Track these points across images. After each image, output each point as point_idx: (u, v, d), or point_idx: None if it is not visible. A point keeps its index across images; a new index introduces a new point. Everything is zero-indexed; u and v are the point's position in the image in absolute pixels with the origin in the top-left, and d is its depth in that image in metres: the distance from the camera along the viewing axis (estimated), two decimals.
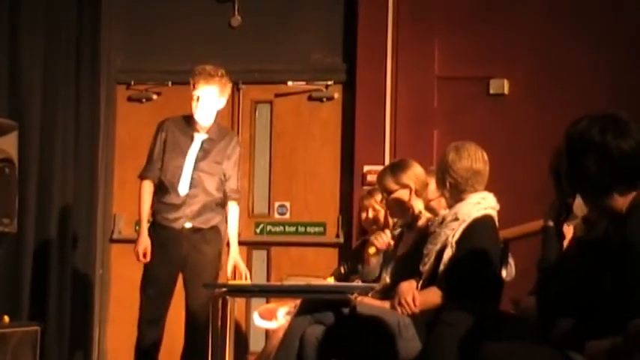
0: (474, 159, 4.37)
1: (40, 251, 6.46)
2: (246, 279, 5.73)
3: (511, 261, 4.52)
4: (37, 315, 6.21)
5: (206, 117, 5.64)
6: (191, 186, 5.62)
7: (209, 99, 5.61)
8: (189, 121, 5.72)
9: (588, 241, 3.39)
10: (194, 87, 5.63)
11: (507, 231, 4.79)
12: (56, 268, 6.59)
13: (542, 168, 6.61)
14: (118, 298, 7.30)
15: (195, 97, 5.62)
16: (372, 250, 5.09)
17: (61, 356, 6.53)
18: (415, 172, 4.76)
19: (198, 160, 5.64)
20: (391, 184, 4.79)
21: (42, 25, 6.56)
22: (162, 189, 5.66)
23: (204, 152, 5.66)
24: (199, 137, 5.69)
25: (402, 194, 4.78)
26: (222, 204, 5.71)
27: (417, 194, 4.78)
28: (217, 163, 5.67)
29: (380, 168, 6.97)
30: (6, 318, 5.73)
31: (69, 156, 6.81)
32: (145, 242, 5.60)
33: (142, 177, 5.71)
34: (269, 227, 7.35)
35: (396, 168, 4.84)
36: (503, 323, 4.11)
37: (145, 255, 5.59)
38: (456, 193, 4.39)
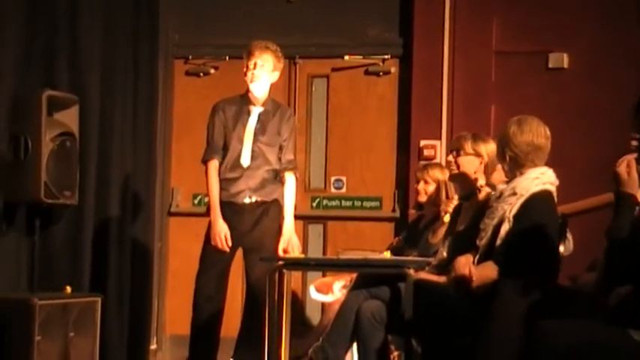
0: (536, 133, 4.34)
1: (100, 224, 6.55)
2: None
3: (569, 236, 4.50)
4: (97, 286, 6.30)
5: (261, 86, 5.66)
6: (252, 158, 5.65)
7: (264, 67, 5.63)
8: (243, 98, 5.74)
9: None
10: (250, 56, 5.64)
11: (566, 206, 4.75)
12: (116, 241, 6.68)
13: (601, 143, 6.60)
14: (175, 270, 7.39)
15: (251, 66, 5.63)
16: (446, 218, 5.09)
17: (121, 327, 6.63)
18: (493, 148, 4.73)
19: (257, 133, 5.67)
20: (467, 146, 4.77)
21: (101, 3, 6.62)
22: (224, 165, 5.68)
23: (262, 125, 5.69)
24: (256, 110, 5.71)
25: (472, 161, 4.77)
26: (280, 176, 5.74)
27: (485, 169, 4.76)
28: (275, 134, 5.71)
29: (436, 143, 7.01)
30: (68, 289, 5.84)
31: (128, 130, 6.88)
32: (223, 228, 5.56)
33: (206, 159, 5.70)
34: (325, 201, 7.38)
35: (478, 136, 4.84)
36: (560, 299, 4.10)
37: (226, 240, 5.57)
38: (515, 167, 4.37)
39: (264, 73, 5.64)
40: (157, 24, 7.23)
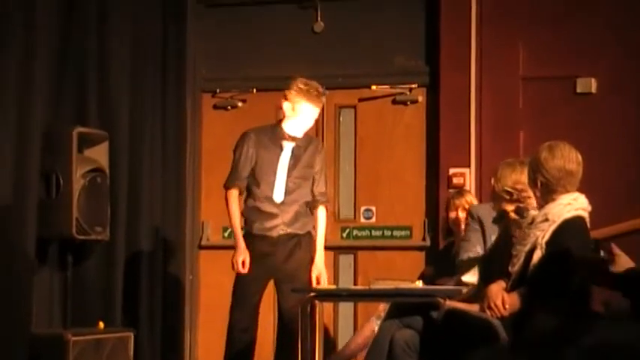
0: (567, 159, 4.32)
1: (132, 258, 6.58)
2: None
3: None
4: (129, 321, 6.32)
5: (299, 132, 5.67)
6: (286, 193, 5.65)
7: (311, 119, 5.64)
8: (275, 130, 5.73)
9: None
10: (295, 101, 5.61)
11: (599, 231, 4.72)
12: (147, 275, 6.70)
13: (631, 168, 6.55)
14: (207, 304, 7.39)
15: (295, 110, 5.61)
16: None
17: None
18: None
19: (290, 168, 5.67)
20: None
21: (129, 36, 6.68)
22: (256, 199, 5.66)
23: (295, 159, 5.69)
24: (289, 145, 5.71)
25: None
26: (312, 208, 5.75)
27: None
28: (308, 168, 5.71)
29: (465, 170, 6.99)
30: (101, 324, 5.85)
31: (157, 164, 6.92)
32: (244, 252, 5.59)
33: (228, 186, 5.72)
34: (355, 232, 7.37)
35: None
36: (593, 325, 4.06)
37: (243, 265, 5.60)
38: (546, 192, 4.34)
39: (309, 122, 5.65)
40: (185, 58, 7.28)
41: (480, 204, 5.80)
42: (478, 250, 5.16)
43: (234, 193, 5.70)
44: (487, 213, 5.11)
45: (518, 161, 4.84)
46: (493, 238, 5.05)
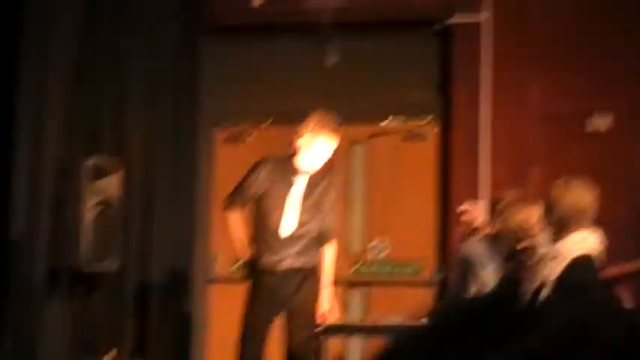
0: (581, 196, 4.30)
1: (142, 290, 6.57)
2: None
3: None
4: (138, 354, 6.30)
5: (317, 165, 5.66)
6: (294, 227, 5.64)
7: (328, 151, 5.64)
8: (290, 163, 5.73)
9: None
10: (314, 134, 5.58)
11: (612, 269, 4.69)
12: (157, 307, 6.69)
13: None
14: (217, 338, 7.37)
15: (312, 143, 5.60)
16: None
17: None
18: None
19: (301, 202, 5.66)
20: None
21: (142, 70, 6.72)
22: (265, 230, 5.65)
23: (306, 193, 5.68)
24: (301, 179, 5.70)
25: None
26: (321, 243, 5.74)
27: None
28: (319, 202, 5.69)
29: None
30: (114, 351, 5.83)
31: (169, 197, 6.93)
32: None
33: (229, 204, 5.63)
34: (365, 267, 7.35)
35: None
36: None
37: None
38: (558, 229, 4.33)
39: (324, 156, 5.63)
40: (198, 91, 7.31)
41: (469, 243, 5.74)
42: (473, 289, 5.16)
43: (234, 216, 5.64)
44: (476, 248, 5.15)
45: (523, 200, 4.86)
46: (485, 271, 5.06)
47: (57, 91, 5.97)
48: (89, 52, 6.32)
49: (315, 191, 5.68)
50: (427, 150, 7.29)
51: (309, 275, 5.65)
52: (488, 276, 5.19)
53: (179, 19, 7.10)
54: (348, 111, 7.26)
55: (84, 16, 6.26)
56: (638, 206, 6.61)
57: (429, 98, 7.31)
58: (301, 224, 5.63)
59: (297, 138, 5.64)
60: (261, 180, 5.63)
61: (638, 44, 6.82)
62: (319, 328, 5.17)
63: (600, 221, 4.40)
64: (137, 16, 6.69)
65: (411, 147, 7.33)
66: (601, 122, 6.85)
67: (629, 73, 6.80)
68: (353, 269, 7.34)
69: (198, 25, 7.30)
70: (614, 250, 4.63)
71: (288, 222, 5.63)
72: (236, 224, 5.65)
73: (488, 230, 5.26)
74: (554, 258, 4.28)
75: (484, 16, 7.05)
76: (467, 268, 5.26)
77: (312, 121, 5.60)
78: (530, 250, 4.63)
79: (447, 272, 6.90)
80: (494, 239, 5.19)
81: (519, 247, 4.67)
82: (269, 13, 7.36)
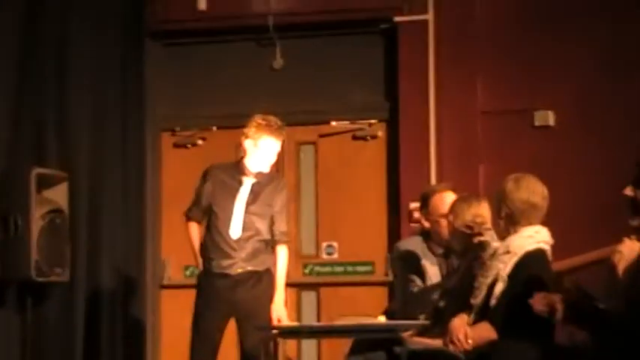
0: (532, 192, 4.35)
1: (92, 299, 6.51)
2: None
3: None
4: None
5: (264, 167, 5.67)
6: (243, 230, 5.63)
7: (273, 152, 5.64)
8: (237, 166, 5.74)
9: None
10: (255, 137, 5.61)
11: (561, 263, 4.75)
12: (108, 316, 6.63)
13: (590, 200, 6.61)
14: (169, 343, 7.33)
15: (255, 146, 5.61)
16: None
17: None
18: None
19: (248, 204, 5.66)
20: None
21: (88, 77, 6.66)
22: (213, 235, 5.66)
23: (254, 195, 5.68)
24: (248, 181, 5.70)
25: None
26: (272, 246, 5.73)
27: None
28: (267, 205, 5.69)
29: None
30: None
31: (117, 204, 6.88)
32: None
33: (189, 217, 5.77)
34: (317, 268, 7.36)
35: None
36: (558, 356, 4.07)
37: None
38: (510, 224, 4.36)
39: (270, 157, 5.66)
40: (144, 97, 7.27)
41: (405, 240, 5.76)
42: (418, 283, 5.18)
43: (194, 227, 5.77)
44: (414, 245, 5.20)
45: (473, 195, 4.90)
46: (431, 267, 5.10)
47: (0, 99, 5.89)
48: (32, 60, 6.25)
49: (262, 194, 5.68)
50: (376, 149, 7.32)
51: (262, 278, 5.64)
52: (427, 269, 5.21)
53: (122, 24, 7.05)
54: (297, 112, 7.30)
55: (26, 21, 6.18)
56: (586, 200, 6.68)
57: (376, 97, 7.33)
58: (248, 227, 5.62)
59: (243, 142, 5.66)
60: (208, 188, 5.68)
61: (578, 41, 6.89)
62: (273, 331, 5.16)
63: (549, 215, 4.45)
64: (81, 22, 6.63)
65: (359, 146, 7.35)
66: (546, 117, 6.92)
67: (570, 70, 6.87)
68: (305, 270, 7.34)
69: (141, 30, 7.25)
70: (562, 243, 4.68)
71: (236, 225, 5.62)
72: (196, 236, 5.75)
73: (422, 225, 5.29)
74: (507, 253, 4.31)
75: (429, 15, 7.09)
76: (404, 265, 5.28)
77: (254, 124, 5.62)
78: (485, 244, 4.67)
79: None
80: (428, 234, 5.22)
81: (475, 241, 4.70)
82: (215, 16, 7.34)
